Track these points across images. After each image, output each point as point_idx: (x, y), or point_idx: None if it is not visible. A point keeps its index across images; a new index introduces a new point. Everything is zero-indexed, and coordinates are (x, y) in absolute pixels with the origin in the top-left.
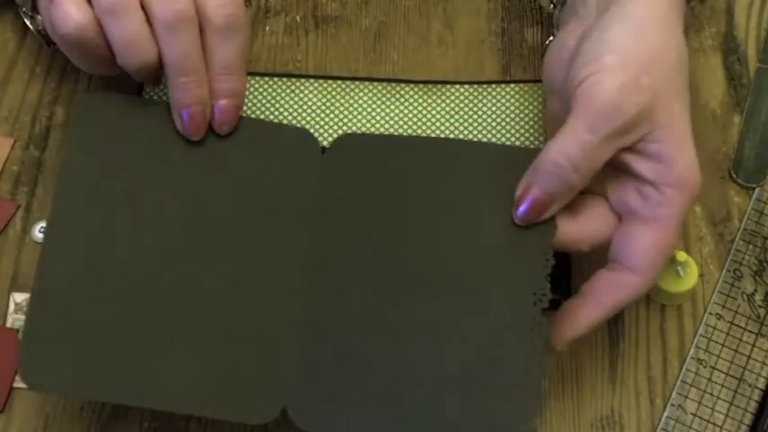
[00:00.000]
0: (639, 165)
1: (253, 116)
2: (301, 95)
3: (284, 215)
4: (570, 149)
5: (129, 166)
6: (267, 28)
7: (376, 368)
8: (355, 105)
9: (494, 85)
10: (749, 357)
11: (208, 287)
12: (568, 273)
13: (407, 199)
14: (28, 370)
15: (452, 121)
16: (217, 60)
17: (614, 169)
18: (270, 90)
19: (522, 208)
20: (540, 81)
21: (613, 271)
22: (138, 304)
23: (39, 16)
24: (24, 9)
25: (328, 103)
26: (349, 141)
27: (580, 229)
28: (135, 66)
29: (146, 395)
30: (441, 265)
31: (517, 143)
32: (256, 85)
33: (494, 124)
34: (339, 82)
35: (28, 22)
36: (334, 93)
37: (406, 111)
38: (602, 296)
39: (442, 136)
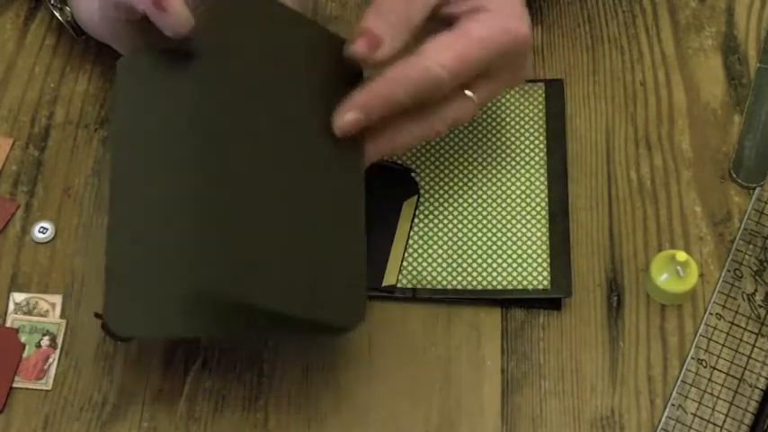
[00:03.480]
0: (458, 6)
1: None
2: None
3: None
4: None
5: (171, 108)
6: None
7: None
8: None
9: None
10: (749, 357)
11: (269, 193)
12: (568, 273)
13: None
14: (117, 318)
15: None
16: None
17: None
18: None
19: (360, 41)
20: (540, 81)
21: (409, 56)
22: (209, 225)
23: (67, 7)
24: (53, 2)
25: None
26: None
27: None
28: None
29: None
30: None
31: (517, 142)
32: None
33: (494, 124)
34: None
35: (57, 14)
36: None
37: None
38: (394, 71)
39: (444, 137)
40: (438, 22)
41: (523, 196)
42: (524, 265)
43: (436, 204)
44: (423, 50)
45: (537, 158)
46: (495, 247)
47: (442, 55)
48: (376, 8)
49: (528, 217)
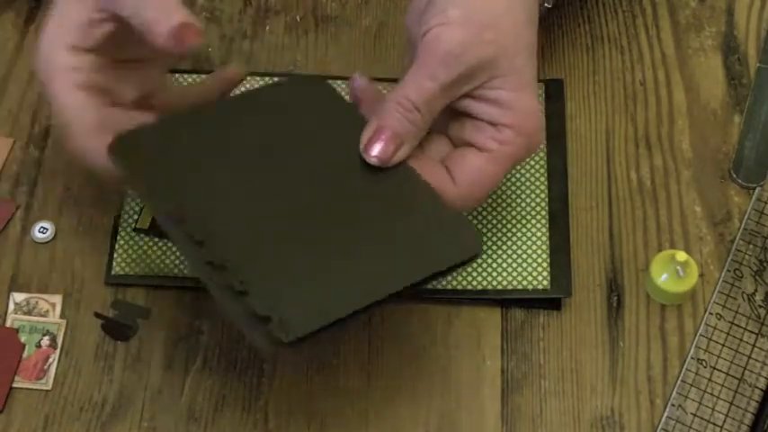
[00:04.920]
0: (479, 108)
1: None
2: None
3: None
4: (412, 94)
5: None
6: (267, 28)
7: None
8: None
9: None
10: (749, 357)
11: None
12: (568, 273)
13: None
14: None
15: None
16: None
17: (456, 113)
18: None
19: (376, 149)
20: (540, 81)
21: (439, 169)
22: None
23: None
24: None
25: None
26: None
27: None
28: None
29: None
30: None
31: None
32: (256, 85)
33: None
34: (339, 82)
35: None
36: None
37: None
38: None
39: None
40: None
41: (523, 196)
42: (524, 265)
43: None
44: (456, 178)
45: (537, 158)
46: (495, 247)
47: (476, 191)
48: (399, 105)
49: (528, 217)
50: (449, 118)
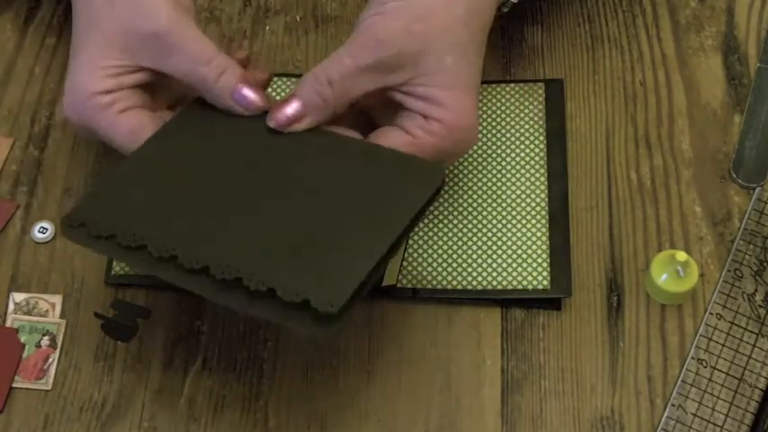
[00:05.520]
0: (410, 102)
1: None
2: None
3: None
4: (330, 68)
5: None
6: (267, 28)
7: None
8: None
9: (494, 85)
10: (750, 357)
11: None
12: (568, 273)
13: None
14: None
15: None
16: None
17: (391, 105)
18: (270, 90)
19: (278, 112)
20: (540, 81)
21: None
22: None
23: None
24: None
25: None
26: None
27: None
28: None
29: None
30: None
31: (517, 142)
32: None
33: (494, 124)
34: None
35: None
36: None
37: None
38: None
39: None
40: (381, 98)
41: (523, 196)
42: (524, 265)
43: (436, 204)
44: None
45: (537, 158)
46: (495, 247)
47: None
48: (314, 78)
49: (528, 217)
50: (383, 110)
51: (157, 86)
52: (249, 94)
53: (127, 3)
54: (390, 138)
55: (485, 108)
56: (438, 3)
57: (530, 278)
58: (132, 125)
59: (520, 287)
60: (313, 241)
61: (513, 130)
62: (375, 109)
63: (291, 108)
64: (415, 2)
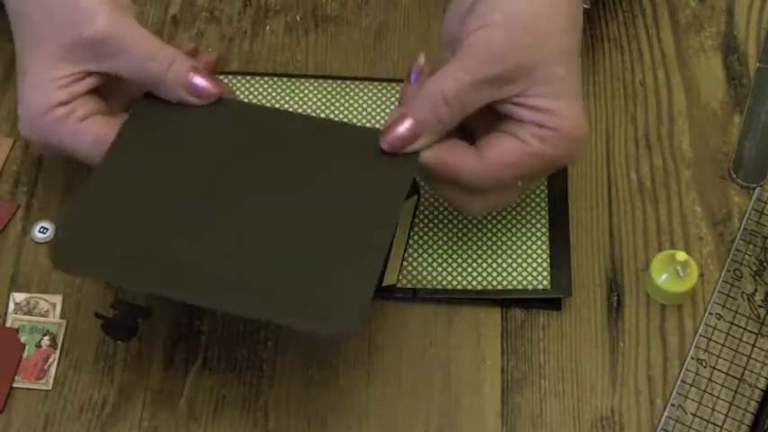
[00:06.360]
0: (523, 113)
1: None
2: (301, 95)
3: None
4: (445, 85)
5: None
6: (267, 28)
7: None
8: (355, 105)
9: None
10: (749, 357)
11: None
12: (568, 273)
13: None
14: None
15: None
16: None
17: (501, 116)
18: (270, 90)
19: (392, 134)
20: None
21: (464, 146)
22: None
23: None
24: None
25: (328, 103)
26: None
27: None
28: None
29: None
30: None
31: None
32: (256, 85)
33: None
34: (339, 82)
35: None
36: (333, 92)
37: None
38: (442, 147)
39: None
40: (490, 112)
41: (523, 196)
42: (524, 265)
43: (436, 204)
44: (482, 154)
45: None
46: (495, 247)
47: (501, 170)
48: (428, 96)
49: (528, 217)
50: (493, 121)
51: (110, 91)
52: (201, 82)
53: (64, 13)
54: (505, 145)
55: None
56: (541, 13)
57: (530, 278)
58: (94, 132)
59: (520, 287)
60: (315, 245)
61: None
62: (472, 119)
63: (404, 128)
64: (517, 13)
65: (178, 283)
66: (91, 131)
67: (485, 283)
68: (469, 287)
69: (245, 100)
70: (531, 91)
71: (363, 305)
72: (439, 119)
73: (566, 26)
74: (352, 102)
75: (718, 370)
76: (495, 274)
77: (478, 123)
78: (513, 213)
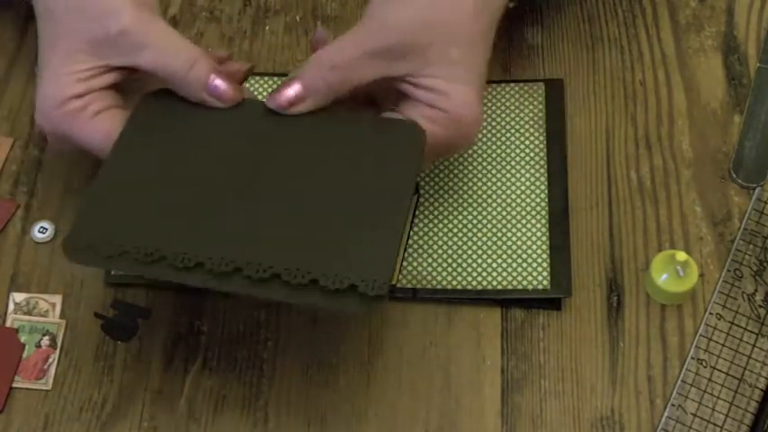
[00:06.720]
0: (416, 92)
1: None
2: None
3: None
4: (334, 52)
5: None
6: (267, 28)
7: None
8: None
9: (494, 85)
10: (749, 357)
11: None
12: (568, 273)
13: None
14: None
15: None
16: None
17: (398, 94)
18: (270, 90)
19: (278, 95)
20: (540, 81)
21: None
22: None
23: None
24: None
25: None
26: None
27: None
28: None
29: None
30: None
31: (517, 142)
32: (256, 85)
33: (494, 124)
34: None
35: None
36: None
37: None
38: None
39: None
40: (386, 86)
41: (523, 196)
42: (524, 265)
43: (436, 204)
44: None
45: (537, 158)
46: (495, 247)
47: None
48: (317, 62)
49: (528, 217)
50: (387, 96)
51: (129, 87)
52: (222, 85)
53: (88, 8)
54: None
55: (485, 108)
56: None
57: (530, 278)
58: (107, 127)
59: (520, 287)
60: (332, 224)
61: (512, 130)
62: (379, 95)
63: (293, 90)
64: None
65: (197, 268)
66: (104, 126)
67: (485, 283)
68: (469, 287)
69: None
70: (424, 71)
71: (387, 275)
72: (326, 84)
73: (471, 10)
74: None
75: (718, 370)
76: (495, 274)
77: (385, 99)
78: (513, 213)
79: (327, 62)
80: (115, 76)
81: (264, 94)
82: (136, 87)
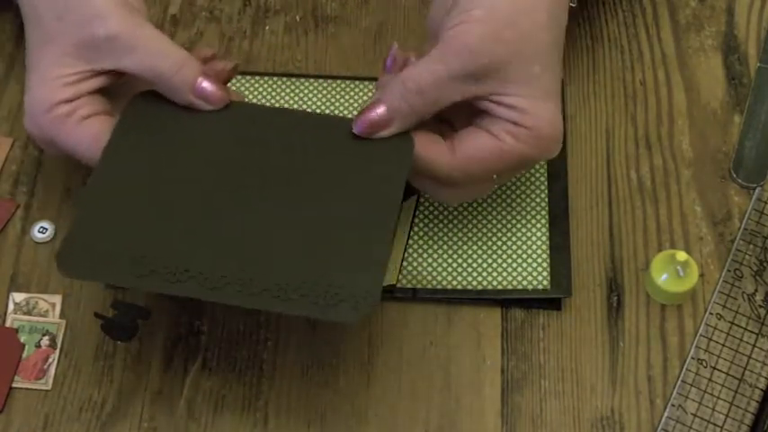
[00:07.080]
0: (499, 110)
1: None
2: (301, 95)
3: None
4: (421, 75)
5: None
6: (267, 28)
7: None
8: (355, 105)
9: None
10: (750, 357)
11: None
12: (568, 273)
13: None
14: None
15: None
16: None
17: (478, 112)
18: (270, 90)
19: (363, 118)
20: None
21: (438, 140)
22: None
23: None
24: None
25: (328, 103)
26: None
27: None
28: None
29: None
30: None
31: None
32: (256, 85)
33: None
34: (339, 82)
35: None
36: (333, 92)
37: None
38: (416, 140)
39: None
40: (460, 104)
41: (523, 196)
42: (524, 265)
43: (436, 204)
44: (456, 148)
45: None
46: (495, 247)
47: (473, 165)
48: (402, 85)
49: (528, 217)
50: (472, 115)
51: (116, 91)
52: (209, 87)
53: (75, 12)
54: (478, 141)
55: None
56: (522, 9)
57: (530, 278)
58: (94, 131)
59: (520, 287)
60: (321, 236)
61: None
62: (452, 113)
63: (377, 114)
64: (499, 9)
65: (189, 280)
66: (91, 131)
67: (485, 283)
68: (469, 287)
69: (245, 100)
70: (506, 89)
71: (377, 285)
72: (411, 108)
73: (547, 22)
74: (351, 101)
75: (718, 370)
76: (495, 274)
77: (459, 116)
78: (513, 213)
79: (413, 86)
80: (103, 80)
81: (264, 93)
82: (122, 92)
